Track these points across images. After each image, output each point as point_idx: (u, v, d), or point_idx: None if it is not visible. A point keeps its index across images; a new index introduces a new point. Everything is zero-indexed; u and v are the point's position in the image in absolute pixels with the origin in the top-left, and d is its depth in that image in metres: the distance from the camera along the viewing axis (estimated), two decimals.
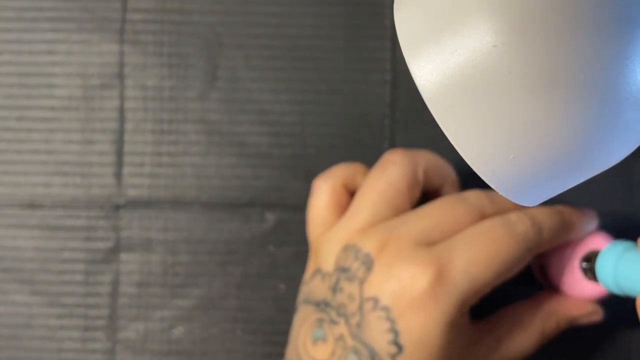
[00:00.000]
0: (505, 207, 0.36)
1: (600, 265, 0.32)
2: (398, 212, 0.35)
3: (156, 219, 0.40)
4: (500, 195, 0.35)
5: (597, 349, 0.39)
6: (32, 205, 0.40)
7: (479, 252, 0.33)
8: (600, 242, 0.35)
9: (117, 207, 0.40)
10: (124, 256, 0.40)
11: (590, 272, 0.34)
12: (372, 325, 0.33)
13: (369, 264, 0.33)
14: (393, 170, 0.36)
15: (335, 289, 0.34)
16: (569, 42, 0.22)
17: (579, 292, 0.36)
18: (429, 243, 0.34)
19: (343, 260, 0.34)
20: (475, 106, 0.23)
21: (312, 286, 0.35)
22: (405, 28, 0.24)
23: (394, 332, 0.32)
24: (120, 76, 0.40)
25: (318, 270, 0.36)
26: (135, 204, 0.40)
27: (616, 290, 0.32)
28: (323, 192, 0.37)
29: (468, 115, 0.23)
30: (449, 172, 0.37)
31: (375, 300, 0.33)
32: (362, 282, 0.33)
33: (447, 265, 0.32)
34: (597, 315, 0.36)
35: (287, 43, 0.40)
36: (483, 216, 0.35)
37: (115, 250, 0.40)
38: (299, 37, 0.40)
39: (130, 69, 0.40)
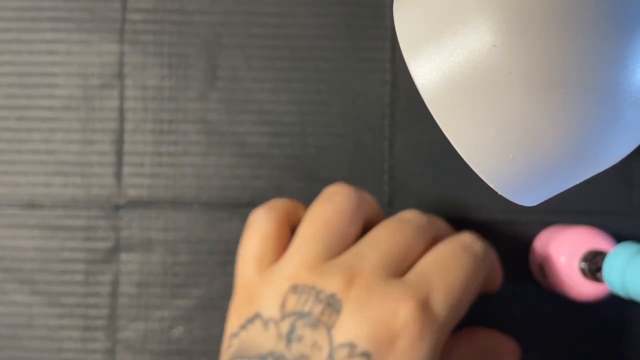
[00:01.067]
0: (440, 227, 0.35)
1: (608, 266, 0.32)
2: (346, 244, 0.32)
3: (156, 219, 0.40)
4: (429, 215, 0.35)
5: (597, 349, 0.39)
6: (32, 205, 0.40)
7: (452, 279, 0.31)
8: (600, 242, 0.35)
9: (117, 207, 0.40)
10: (123, 256, 0.40)
11: (589, 272, 0.34)
12: None
13: (336, 306, 0.30)
14: (340, 199, 0.33)
15: (290, 338, 0.30)
16: (568, 41, 0.22)
17: (578, 293, 0.36)
18: (397, 274, 0.31)
19: (296, 303, 0.30)
20: (475, 106, 0.23)
21: (250, 337, 0.30)
22: (404, 28, 0.24)
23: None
24: (120, 76, 0.40)
25: (257, 316, 0.31)
26: (135, 204, 0.40)
27: (622, 292, 0.31)
28: (264, 224, 0.33)
29: (468, 115, 0.23)
30: (376, 204, 0.36)
31: (352, 346, 0.29)
32: (330, 327, 0.29)
33: (426, 297, 0.30)
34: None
35: (287, 43, 0.40)
36: (429, 237, 0.33)
37: (115, 250, 0.40)
38: (299, 37, 0.40)
39: (130, 69, 0.40)
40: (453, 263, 0.32)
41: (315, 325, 0.30)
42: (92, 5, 0.40)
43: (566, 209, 0.39)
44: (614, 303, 0.37)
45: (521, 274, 0.39)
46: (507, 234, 0.39)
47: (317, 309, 0.30)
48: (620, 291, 0.31)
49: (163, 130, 0.40)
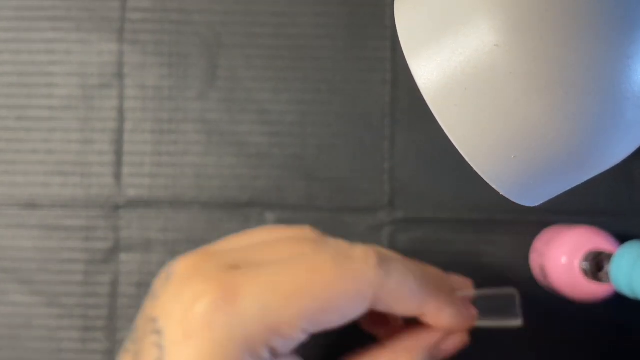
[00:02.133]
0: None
1: (615, 266, 0.31)
2: None
3: (156, 219, 0.40)
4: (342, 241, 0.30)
5: (597, 349, 0.39)
6: (32, 205, 0.40)
7: (286, 279, 0.27)
8: (601, 242, 0.35)
9: (117, 207, 0.40)
10: (123, 256, 0.40)
11: (590, 272, 0.34)
12: (144, 353, 0.27)
13: (168, 280, 0.28)
14: None
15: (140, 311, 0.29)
16: (570, 42, 0.22)
17: (579, 293, 0.36)
18: (237, 266, 0.28)
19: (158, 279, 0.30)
20: (476, 106, 0.23)
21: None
22: (405, 28, 0.24)
23: (167, 354, 0.26)
24: (120, 76, 0.40)
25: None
26: (135, 204, 0.40)
27: (629, 292, 0.31)
28: None
29: (469, 115, 0.23)
30: None
31: (154, 321, 0.27)
32: (154, 299, 0.28)
33: (237, 289, 0.26)
34: (460, 340, 0.32)
35: (287, 43, 0.40)
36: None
37: (114, 251, 0.39)
38: (299, 36, 0.40)
39: (130, 69, 0.40)
40: (297, 262, 0.27)
41: (151, 297, 0.29)
42: (91, 5, 0.40)
43: (567, 209, 0.39)
44: (614, 303, 0.36)
45: (521, 274, 0.39)
46: (507, 234, 0.39)
47: (158, 283, 0.29)
48: (627, 291, 0.31)
49: (163, 130, 0.40)
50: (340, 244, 0.29)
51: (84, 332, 0.39)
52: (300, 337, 0.27)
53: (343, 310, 0.27)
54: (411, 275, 0.28)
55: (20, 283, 0.39)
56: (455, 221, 0.39)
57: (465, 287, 0.34)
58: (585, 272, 0.34)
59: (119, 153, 0.40)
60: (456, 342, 0.32)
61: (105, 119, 0.40)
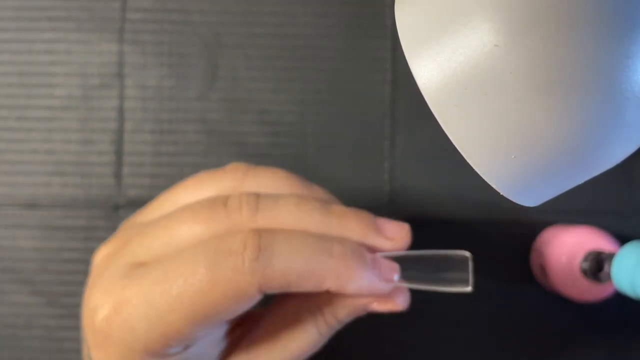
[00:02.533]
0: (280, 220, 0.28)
1: (617, 267, 0.31)
2: None
3: None
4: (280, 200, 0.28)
5: (597, 349, 0.39)
6: (32, 205, 0.40)
7: (165, 288, 0.26)
8: (601, 242, 0.35)
9: (117, 207, 0.40)
10: None
11: (590, 272, 0.34)
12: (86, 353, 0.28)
13: (90, 274, 0.30)
14: None
15: None
16: (570, 41, 0.22)
17: (579, 293, 0.36)
18: (147, 262, 0.28)
19: None
20: (477, 106, 0.23)
21: None
22: (406, 27, 0.24)
23: (90, 359, 0.28)
24: (120, 76, 0.40)
25: None
26: (135, 204, 0.40)
27: (631, 293, 0.31)
28: None
29: (469, 115, 0.23)
30: None
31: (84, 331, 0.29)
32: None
33: (125, 302, 0.26)
34: (391, 303, 0.30)
35: (287, 43, 0.40)
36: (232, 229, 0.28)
37: None
38: (299, 37, 0.40)
39: (130, 69, 0.40)
40: (172, 263, 0.27)
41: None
42: (91, 5, 0.40)
43: (567, 209, 0.39)
44: (614, 303, 0.37)
45: (521, 274, 0.39)
46: (507, 234, 0.39)
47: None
48: (629, 291, 0.31)
49: (163, 130, 0.40)
50: (221, 239, 0.27)
51: None
52: (198, 335, 0.27)
53: (228, 310, 0.26)
54: (299, 259, 0.26)
55: (21, 283, 0.39)
56: (455, 221, 0.39)
57: (399, 237, 0.30)
58: (585, 272, 0.34)
59: (119, 153, 0.40)
60: (381, 307, 0.29)
61: (105, 119, 0.40)
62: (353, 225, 0.28)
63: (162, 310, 0.26)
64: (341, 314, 0.29)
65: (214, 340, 0.29)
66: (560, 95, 0.23)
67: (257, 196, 0.28)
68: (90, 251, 0.40)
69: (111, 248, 0.30)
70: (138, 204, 0.40)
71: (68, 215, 0.40)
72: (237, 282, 0.26)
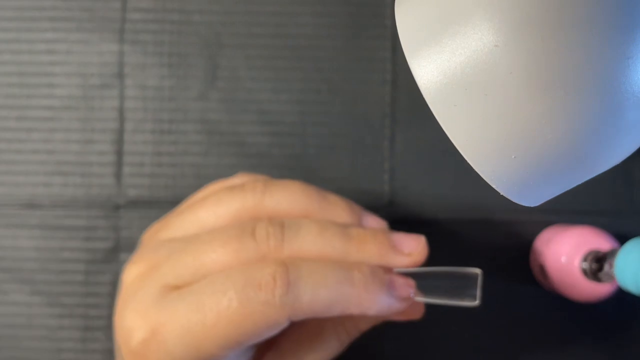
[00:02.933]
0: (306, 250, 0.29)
1: (621, 263, 0.31)
2: None
3: (156, 219, 0.40)
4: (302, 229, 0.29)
5: (597, 349, 0.39)
6: (32, 205, 0.40)
7: (199, 318, 0.28)
8: (600, 242, 0.35)
9: (117, 207, 0.40)
10: (123, 256, 0.40)
11: (590, 272, 0.34)
12: None
13: (119, 291, 0.31)
14: None
15: None
16: (570, 41, 0.22)
17: (578, 293, 0.36)
18: (177, 285, 0.30)
19: None
20: (477, 106, 0.23)
21: None
22: (406, 28, 0.24)
23: None
24: (120, 76, 0.40)
25: None
26: (135, 203, 0.40)
27: (634, 289, 0.31)
28: None
29: (469, 115, 0.23)
30: None
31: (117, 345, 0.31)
32: (117, 307, 0.31)
33: (161, 326, 0.28)
34: (413, 313, 0.32)
35: (288, 43, 0.40)
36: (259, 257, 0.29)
37: (115, 250, 0.40)
38: (299, 36, 0.40)
39: (130, 69, 0.40)
40: (201, 295, 0.28)
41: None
42: (92, 5, 0.40)
43: (567, 209, 0.39)
44: (614, 303, 0.37)
45: (521, 274, 0.39)
46: (507, 234, 0.39)
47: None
48: (633, 288, 0.31)
49: (163, 130, 0.40)
50: (250, 273, 0.28)
51: (85, 332, 0.39)
52: (230, 355, 0.29)
53: (260, 336, 0.28)
54: (324, 290, 0.28)
55: (21, 283, 0.39)
56: (455, 221, 0.39)
57: (417, 252, 0.31)
58: (585, 272, 0.34)
59: (119, 153, 0.40)
60: (400, 318, 0.32)
61: (105, 119, 0.40)
62: (371, 248, 0.30)
63: (198, 338, 0.28)
64: (363, 325, 0.31)
65: (241, 352, 0.30)
66: (560, 95, 0.23)
67: (282, 226, 0.30)
68: (91, 251, 0.40)
69: (141, 269, 0.31)
70: (138, 203, 0.40)
71: (68, 215, 0.40)
72: (269, 315, 0.28)
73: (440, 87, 0.23)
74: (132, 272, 0.31)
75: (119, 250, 0.40)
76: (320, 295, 0.28)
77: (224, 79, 0.40)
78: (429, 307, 0.39)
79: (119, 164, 0.40)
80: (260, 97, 0.40)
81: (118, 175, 0.40)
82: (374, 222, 0.32)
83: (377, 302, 0.29)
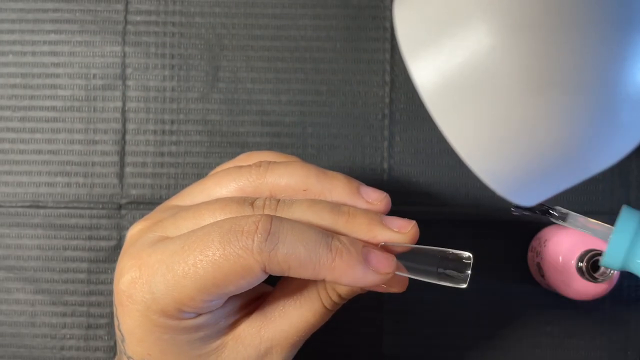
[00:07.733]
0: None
1: (615, 241, 0.29)
2: None
3: None
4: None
5: (595, 348, 0.40)
6: (36, 205, 0.40)
7: (180, 259, 0.29)
8: (597, 242, 0.35)
9: (120, 207, 0.40)
10: None
11: (586, 271, 0.34)
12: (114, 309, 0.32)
13: (123, 245, 0.33)
14: None
15: None
16: (566, 43, 0.23)
17: (575, 292, 0.36)
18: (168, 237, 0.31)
19: None
20: (474, 107, 0.23)
21: None
22: (404, 30, 0.25)
23: (117, 319, 0.31)
24: (123, 77, 0.40)
25: None
26: (138, 203, 0.40)
27: (618, 267, 0.29)
28: None
29: (467, 116, 0.23)
30: None
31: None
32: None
33: (149, 268, 0.30)
34: (396, 285, 0.31)
35: (288, 44, 0.40)
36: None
37: (117, 249, 0.40)
38: (300, 38, 0.40)
39: (133, 70, 0.40)
40: (193, 238, 0.29)
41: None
42: (94, 7, 0.41)
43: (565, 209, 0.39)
44: (612, 302, 0.37)
45: (520, 273, 0.39)
46: (506, 234, 0.39)
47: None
48: (617, 265, 0.29)
49: (165, 131, 0.40)
50: (236, 220, 0.29)
51: (87, 330, 0.40)
52: (207, 305, 0.29)
53: (236, 284, 0.29)
54: (300, 247, 0.28)
55: (25, 281, 0.40)
56: (453, 221, 0.39)
57: (405, 232, 0.31)
58: (582, 271, 0.35)
59: (121, 153, 0.40)
60: (379, 289, 0.31)
61: (108, 119, 0.40)
62: (361, 221, 0.30)
63: (178, 276, 0.29)
64: (341, 290, 0.31)
65: (226, 312, 0.31)
66: (556, 96, 0.23)
67: (278, 200, 0.31)
68: (94, 250, 0.40)
69: (145, 224, 0.33)
70: (140, 203, 0.40)
71: (72, 214, 0.40)
72: (245, 259, 0.28)
73: (437, 88, 0.23)
74: (137, 227, 0.33)
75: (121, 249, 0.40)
76: (297, 250, 0.28)
77: (225, 80, 0.40)
78: (428, 309, 0.39)
79: (121, 164, 0.40)
80: (260, 98, 0.40)
81: (120, 175, 0.40)
82: (374, 193, 0.32)
83: (351, 272, 0.29)
